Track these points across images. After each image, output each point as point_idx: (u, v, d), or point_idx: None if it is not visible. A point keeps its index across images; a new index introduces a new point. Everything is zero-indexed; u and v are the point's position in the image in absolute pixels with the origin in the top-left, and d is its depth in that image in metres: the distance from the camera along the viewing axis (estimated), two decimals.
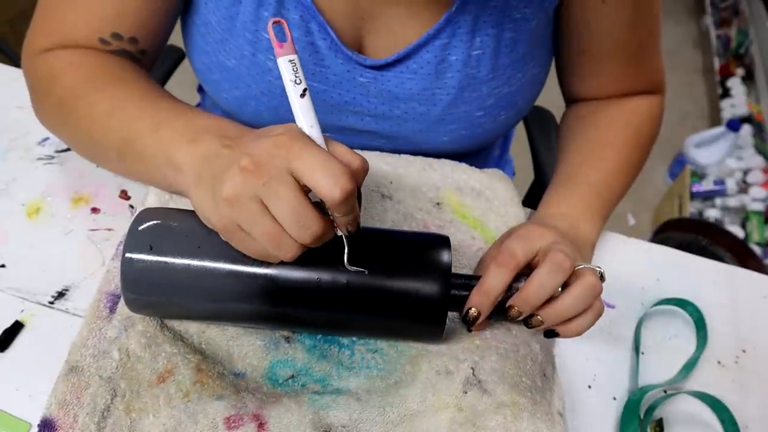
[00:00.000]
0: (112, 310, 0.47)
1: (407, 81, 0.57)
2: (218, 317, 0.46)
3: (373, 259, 0.43)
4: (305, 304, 0.43)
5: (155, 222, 0.44)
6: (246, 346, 0.47)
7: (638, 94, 0.65)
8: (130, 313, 0.47)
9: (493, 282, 0.44)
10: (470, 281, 0.45)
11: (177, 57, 0.96)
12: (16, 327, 0.48)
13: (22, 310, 0.49)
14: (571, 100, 0.69)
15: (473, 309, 0.44)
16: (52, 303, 0.50)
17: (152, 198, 0.54)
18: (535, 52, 0.59)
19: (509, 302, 0.44)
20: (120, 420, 0.42)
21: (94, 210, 0.56)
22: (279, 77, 0.56)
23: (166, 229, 0.43)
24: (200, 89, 0.86)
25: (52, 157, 0.60)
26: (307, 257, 0.42)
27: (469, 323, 0.44)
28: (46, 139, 0.61)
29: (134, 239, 0.43)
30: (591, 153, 0.61)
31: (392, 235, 0.47)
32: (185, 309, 0.45)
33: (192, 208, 0.43)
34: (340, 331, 0.48)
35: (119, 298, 0.48)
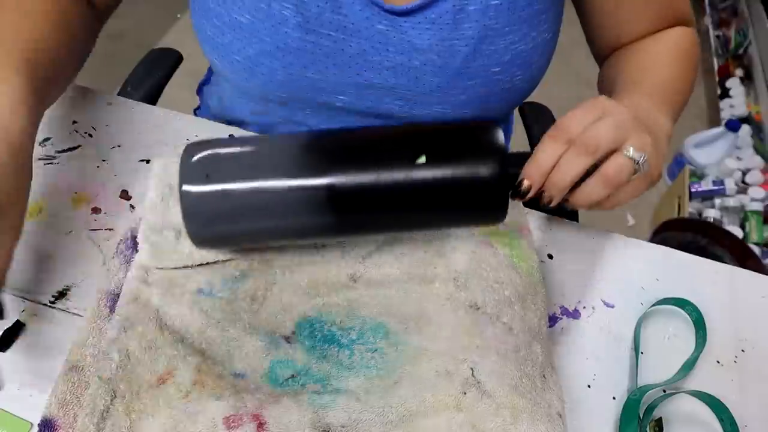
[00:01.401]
0: (113, 309, 0.48)
1: (425, 31, 0.57)
2: (284, 234, 0.47)
3: (427, 150, 0.45)
4: (371, 205, 0.45)
5: (206, 152, 0.45)
6: (247, 347, 0.47)
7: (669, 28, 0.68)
8: (129, 314, 0.47)
9: (544, 154, 0.46)
10: (525, 158, 0.47)
11: (175, 59, 0.96)
12: (17, 327, 0.48)
13: (23, 310, 0.50)
14: (604, 57, 0.71)
15: (526, 181, 0.46)
16: (52, 303, 0.50)
17: (152, 195, 0.54)
18: (549, 14, 0.60)
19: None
20: (119, 421, 0.42)
21: (95, 210, 0.56)
22: (294, 28, 0.56)
23: (218, 156, 0.45)
24: (199, 91, 0.86)
25: (53, 157, 0.60)
26: (368, 159, 0.45)
27: (521, 195, 0.46)
28: (47, 139, 0.61)
29: (188, 171, 0.44)
30: (643, 71, 0.63)
31: (442, 126, 0.48)
32: (251, 233, 0.46)
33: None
34: (407, 227, 0.50)
35: (119, 297, 0.48)
